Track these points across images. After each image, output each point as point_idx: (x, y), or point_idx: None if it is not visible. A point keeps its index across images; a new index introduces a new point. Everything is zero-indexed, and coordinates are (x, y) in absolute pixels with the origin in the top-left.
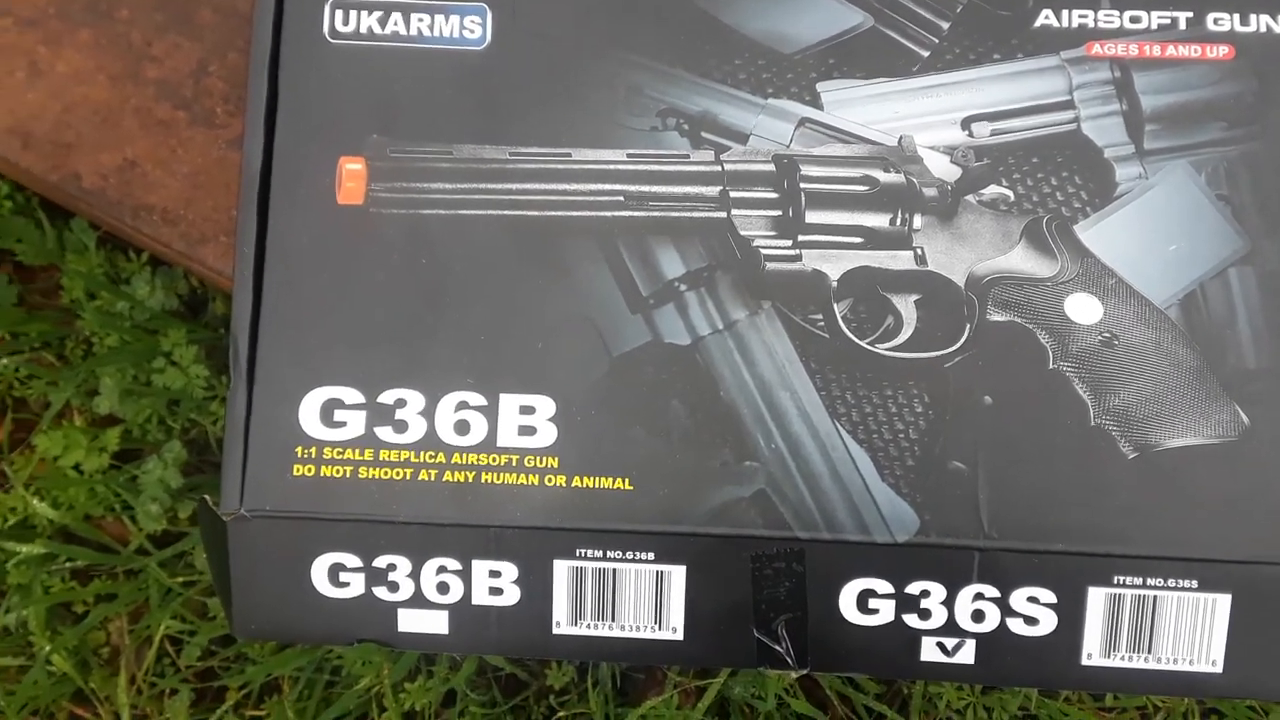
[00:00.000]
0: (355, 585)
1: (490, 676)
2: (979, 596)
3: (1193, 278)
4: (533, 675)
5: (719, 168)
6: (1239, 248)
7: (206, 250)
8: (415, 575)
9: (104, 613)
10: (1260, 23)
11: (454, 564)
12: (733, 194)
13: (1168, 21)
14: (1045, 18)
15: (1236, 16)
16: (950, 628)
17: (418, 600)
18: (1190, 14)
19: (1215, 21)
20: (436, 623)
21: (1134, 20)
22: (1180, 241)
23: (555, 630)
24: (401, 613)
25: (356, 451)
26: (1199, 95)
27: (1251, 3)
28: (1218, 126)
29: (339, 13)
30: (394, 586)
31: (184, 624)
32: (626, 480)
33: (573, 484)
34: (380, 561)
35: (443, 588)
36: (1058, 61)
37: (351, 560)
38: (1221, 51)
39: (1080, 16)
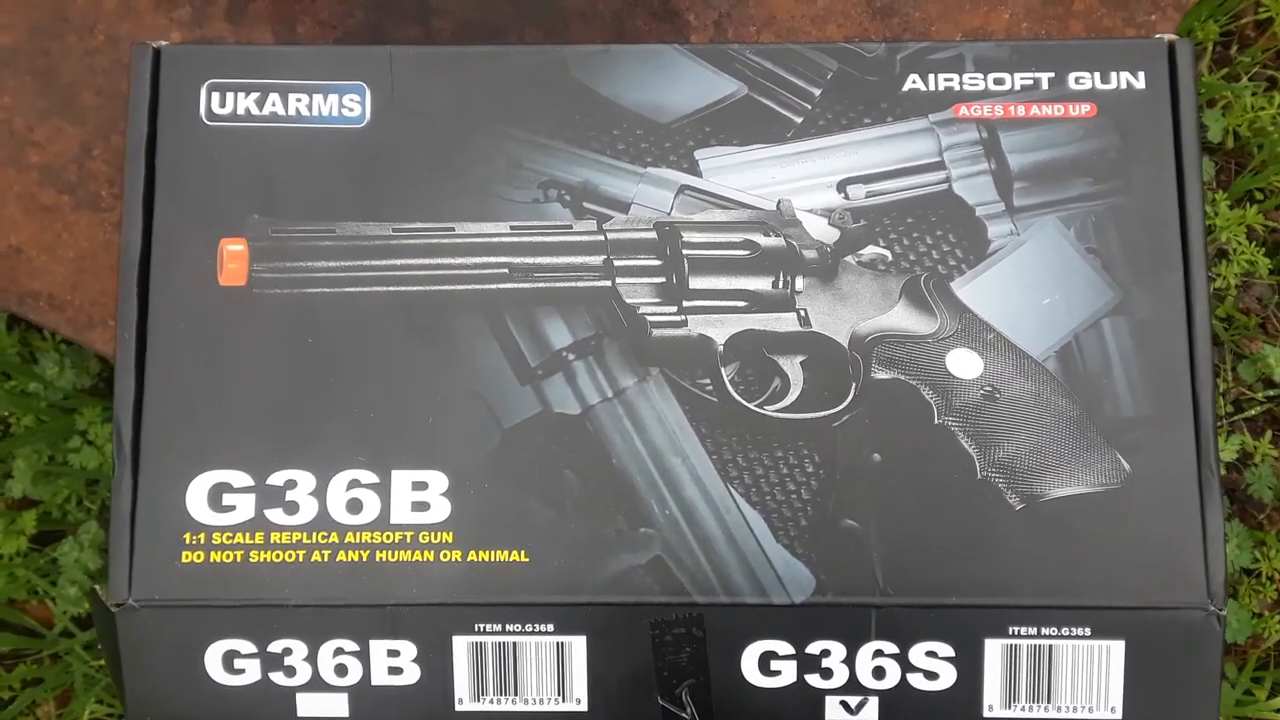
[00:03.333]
0: (251, 671)
1: None
2: (879, 653)
3: (1068, 329)
4: None
5: (602, 237)
6: (1110, 299)
7: (95, 335)
8: (312, 659)
9: (31, 698)
10: (1121, 80)
11: (351, 645)
12: (616, 262)
13: (1030, 82)
14: (913, 82)
15: (1097, 75)
16: (853, 686)
17: (316, 684)
18: (1052, 74)
19: (1077, 80)
20: (337, 706)
21: (998, 82)
22: (1054, 294)
23: (459, 707)
24: (300, 697)
25: (247, 535)
26: (1064, 152)
27: (1111, 62)
28: (1084, 182)
29: (215, 95)
30: (291, 671)
31: (110, 708)
32: (523, 552)
33: (468, 558)
34: (275, 646)
35: (341, 670)
36: (926, 124)
37: (246, 646)
38: (1084, 109)
39: (946, 80)
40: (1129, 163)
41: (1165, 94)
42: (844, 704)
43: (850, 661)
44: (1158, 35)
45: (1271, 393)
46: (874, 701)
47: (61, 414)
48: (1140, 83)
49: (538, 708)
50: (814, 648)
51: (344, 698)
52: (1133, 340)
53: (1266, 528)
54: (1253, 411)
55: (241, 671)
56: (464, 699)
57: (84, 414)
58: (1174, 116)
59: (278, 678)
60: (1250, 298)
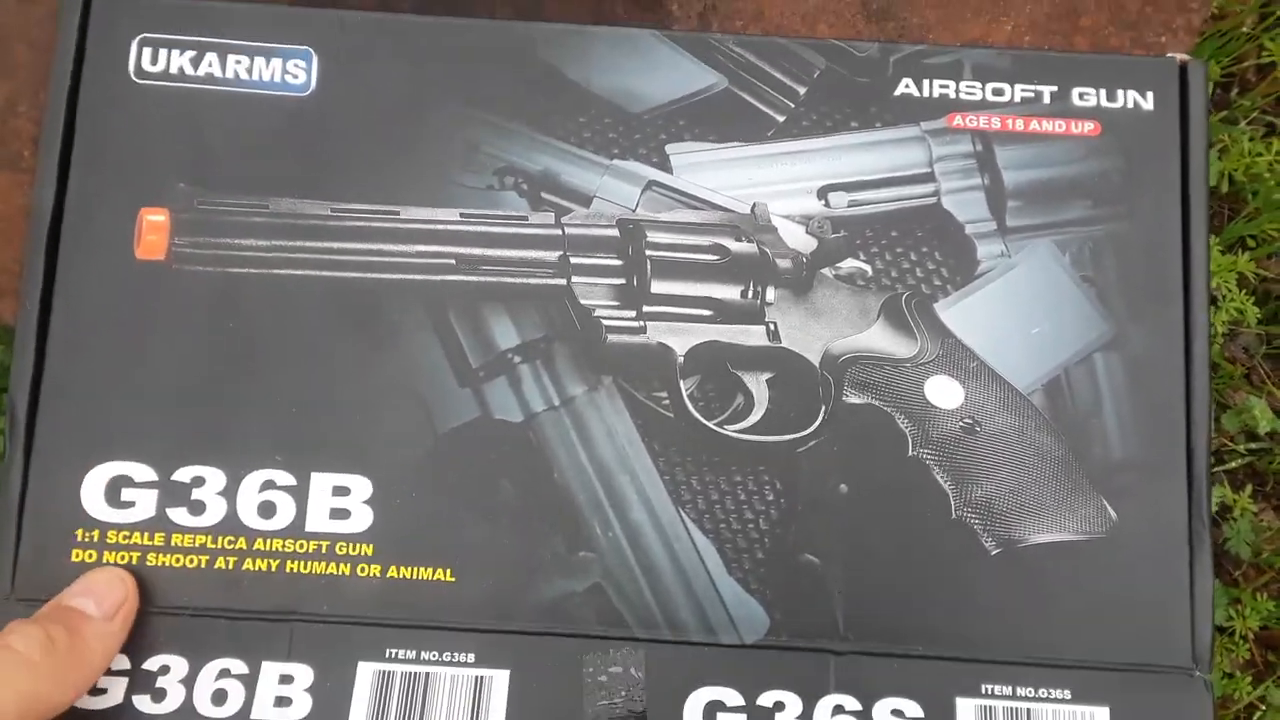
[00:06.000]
0: (114, 693)
1: None
2: (839, 709)
3: (1057, 362)
4: None
5: (559, 231)
6: (1104, 332)
7: (8, 305)
8: (189, 680)
9: None
10: (1127, 98)
11: (240, 667)
12: (573, 260)
13: (1031, 95)
14: (905, 86)
15: (1103, 92)
16: None
17: (185, 714)
18: (1055, 88)
19: (1081, 97)
20: None
21: (997, 93)
22: (1044, 324)
23: None
24: None
25: (145, 535)
26: (1063, 172)
27: (1118, 79)
28: (1082, 205)
29: (147, 50)
30: (160, 694)
31: None
32: (448, 570)
33: (388, 574)
34: (151, 663)
35: (219, 697)
36: (918, 132)
37: (119, 661)
38: (1087, 128)
39: (941, 87)
40: (1132, 188)
41: (1174, 117)
42: None
43: (807, 717)
44: (1169, 55)
45: (1254, 445)
46: None
47: None
48: (1148, 103)
49: None
50: (766, 699)
51: None
52: (1126, 378)
53: (1242, 585)
54: (1234, 464)
55: (103, 692)
56: None
57: None
58: (1182, 141)
59: (142, 702)
60: (1236, 347)
